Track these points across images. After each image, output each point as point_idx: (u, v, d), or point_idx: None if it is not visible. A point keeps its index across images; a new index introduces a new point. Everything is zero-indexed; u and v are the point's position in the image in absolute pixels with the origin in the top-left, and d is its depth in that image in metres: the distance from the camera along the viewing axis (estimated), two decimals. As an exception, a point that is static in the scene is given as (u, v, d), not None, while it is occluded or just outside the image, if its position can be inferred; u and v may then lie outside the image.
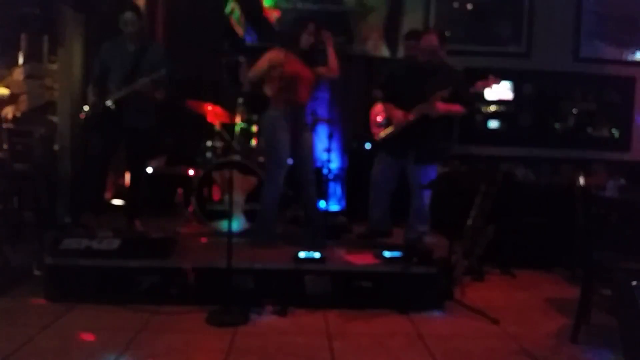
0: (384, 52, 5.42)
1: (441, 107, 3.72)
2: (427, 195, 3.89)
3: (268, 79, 3.87)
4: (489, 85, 3.86)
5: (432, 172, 3.90)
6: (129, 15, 3.99)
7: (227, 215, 3.42)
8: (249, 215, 4.16)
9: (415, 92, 3.74)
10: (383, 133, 3.90)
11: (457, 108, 3.78)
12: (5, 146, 4.38)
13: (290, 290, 3.42)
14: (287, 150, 3.90)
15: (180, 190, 4.80)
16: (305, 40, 3.89)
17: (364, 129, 5.00)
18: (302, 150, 3.95)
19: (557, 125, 5.53)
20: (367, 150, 5.07)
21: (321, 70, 3.99)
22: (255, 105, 4.43)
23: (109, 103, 3.92)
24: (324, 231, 4.05)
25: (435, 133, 3.87)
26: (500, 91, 5.42)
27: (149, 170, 4.76)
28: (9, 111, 4.73)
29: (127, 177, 4.30)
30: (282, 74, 3.78)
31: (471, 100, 3.90)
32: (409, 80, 3.84)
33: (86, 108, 4.07)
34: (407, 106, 3.77)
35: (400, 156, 3.87)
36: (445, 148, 3.98)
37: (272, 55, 3.86)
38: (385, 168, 3.95)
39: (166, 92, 4.10)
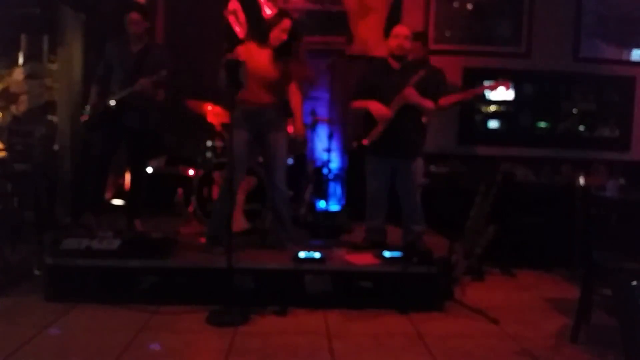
0: (384, 52, 5.41)
1: (413, 94, 3.65)
2: (418, 192, 3.88)
3: None
4: (495, 88, 3.85)
5: (419, 166, 3.90)
6: (134, 15, 3.99)
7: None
8: (249, 215, 4.17)
9: (393, 91, 3.70)
10: (371, 136, 3.78)
11: (427, 103, 3.73)
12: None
13: (290, 290, 3.42)
14: (244, 152, 3.67)
15: (180, 190, 4.80)
16: (276, 36, 3.64)
17: (364, 130, 5.01)
18: (268, 151, 3.75)
19: (557, 125, 5.53)
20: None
21: (292, 69, 3.74)
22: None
23: (111, 103, 3.92)
24: (292, 235, 3.88)
25: (416, 126, 3.86)
26: (500, 91, 5.42)
27: (149, 170, 4.76)
28: (13, 110, 4.74)
29: (127, 177, 4.30)
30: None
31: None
32: (384, 80, 3.78)
33: (88, 108, 4.07)
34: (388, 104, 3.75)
35: (390, 155, 3.81)
36: (422, 143, 3.96)
37: (236, 52, 3.66)
38: (380, 179, 3.86)
39: (166, 93, 4.10)
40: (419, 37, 4.60)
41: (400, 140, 3.76)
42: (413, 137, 3.84)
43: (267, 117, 3.73)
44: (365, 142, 3.78)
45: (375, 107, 3.72)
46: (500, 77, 3.90)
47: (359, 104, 3.82)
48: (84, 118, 4.07)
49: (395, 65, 3.81)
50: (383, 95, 3.74)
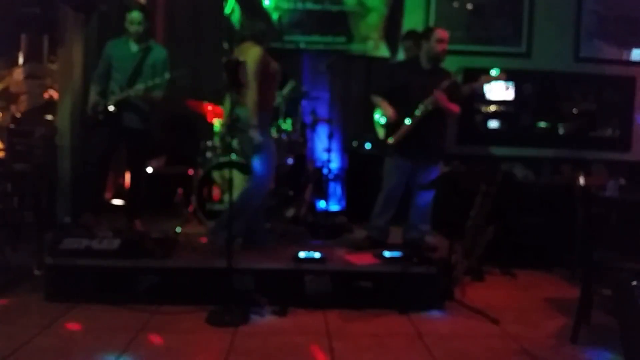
0: (384, 52, 5.42)
1: (444, 99, 3.74)
2: (432, 194, 3.90)
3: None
4: (490, 80, 3.86)
5: (438, 170, 3.93)
6: (136, 14, 3.99)
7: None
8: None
9: (422, 93, 3.75)
10: (397, 136, 3.80)
11: (454, 108, 3.83)
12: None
13: (290, 290, 3.42)
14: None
15: (180, 190, 4.80)
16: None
17: (365, 129, 5.00)
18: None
19: (557, 126, 5.53)
20: (367, 150, 5.07)
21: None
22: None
23: (110, 107, 3.93)
24: (264, 229, 3.95)
25: (441, 131, 3.94)
26: (500, 91, 5.42)
27: (149, 170, 4.76)
28: (13, 110, 4.74)
29: (127, 177, 4.30)
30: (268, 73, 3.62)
31: (464, 102, 3.96)
32: (413, 81, 3.83)
33: (88, 108, 4.07)
34: (414, 107, 3.76)
35: (413, 156, 3.84)
36: (445, 147, 3.99)
37: (258, 53, 3.58)
38: (400, 179, 3.87)
39: (163, 93, 4.09)
40: (411, 35, 4.62)
41: (425, 143, 3.82)
42: (438, 141, 3.92)
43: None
44: (389, 142, 3.83)
45: (384, 106, 3.83)
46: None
47: (376, 99, 3.95)
48: (84, 117, 4.07)
49: (426, 66, 3.87)
50: (410, 94, 3.78)
